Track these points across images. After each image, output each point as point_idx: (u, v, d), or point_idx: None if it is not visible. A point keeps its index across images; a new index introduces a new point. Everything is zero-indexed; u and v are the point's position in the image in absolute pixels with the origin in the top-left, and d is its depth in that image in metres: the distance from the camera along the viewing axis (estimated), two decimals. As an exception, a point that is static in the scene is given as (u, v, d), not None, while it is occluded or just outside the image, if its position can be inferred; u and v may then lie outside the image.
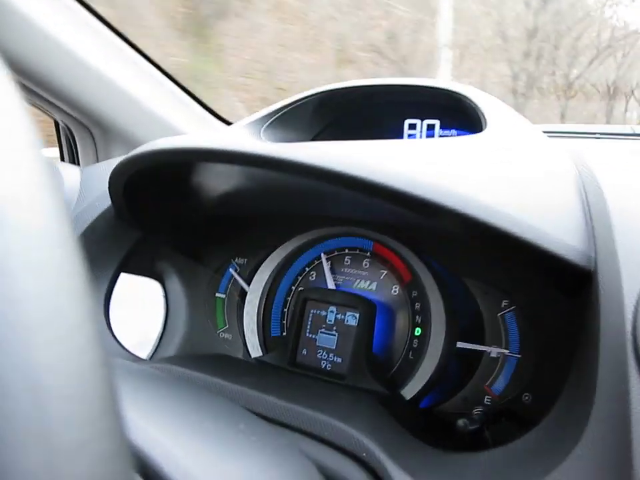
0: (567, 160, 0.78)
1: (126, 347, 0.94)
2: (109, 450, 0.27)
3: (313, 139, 1.06)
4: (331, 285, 1.00)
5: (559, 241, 0.63)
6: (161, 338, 1.04)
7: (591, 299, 0.62)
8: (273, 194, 0.90)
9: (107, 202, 0.96)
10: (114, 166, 0.88)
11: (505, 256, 0.71)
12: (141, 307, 1.08)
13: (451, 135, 1.03)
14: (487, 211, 0.62)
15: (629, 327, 0.56)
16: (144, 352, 1.02)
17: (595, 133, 1.45)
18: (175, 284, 1.07)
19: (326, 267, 1.01)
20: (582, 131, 1.47)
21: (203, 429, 0.54)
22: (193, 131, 1.41)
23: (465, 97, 0.92)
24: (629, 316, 0.57)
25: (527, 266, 0.70)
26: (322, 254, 1.02)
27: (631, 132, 1.43)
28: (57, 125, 1.45)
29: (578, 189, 0.71)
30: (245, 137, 0.94)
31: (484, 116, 0.87)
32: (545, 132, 1.32)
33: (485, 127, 0.84)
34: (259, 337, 1.05)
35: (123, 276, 0.99)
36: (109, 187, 0.91)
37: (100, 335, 0.29)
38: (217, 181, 0.89)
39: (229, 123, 1.53)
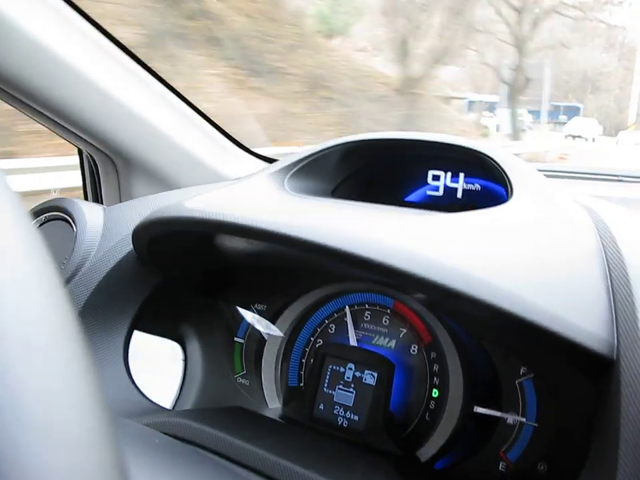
0: (592, 234, 0.78)
1: (148, 396, 0.95)
2: None
3: (336, 188, 1.07)
4: (353, 340, 1.00)
5: (580, 328, 0.63)
6: (180, 390, 1.05)
7: (612, 387, 0.62)
8: (296, 254, 0.91)
9: (128, 246, 0.97)
10: (136, 209, 0.89)
11: (526, 339, 0.71)
12: (162, 357, 1.08)
13: (475, 189, 1.02)
14: (505, 297, 0.63)
15: None
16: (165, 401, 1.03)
17: (617, 175, 1.45)
18: (194, 344, 1.07)
19: (349, 320, 1.01)
20: (603, 173, 1.46)
21: None
22: (219, 165, 1.40)
23: (489, 157, 0.92)
24: None
25: (547, 349, 0.70)
26: (347, 306, 1.03)
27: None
28: (80, 153, 1.46)
29: (603, 273, 0.71)
30: (267, 191, 0.95)
31: (509, 179, 0.87)
32: (558, 171, 1.33)
33: (511, 196, 0.84)
34: (276, 386, 1.06)
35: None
36: (133, 240, 0.92)
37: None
38: (239, 241, 0.89)
39: (259, 156, 1.52)
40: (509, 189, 0.86)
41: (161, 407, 0.96)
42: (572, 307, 0.65)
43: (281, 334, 1.07)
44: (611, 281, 0.70)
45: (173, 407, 1.03)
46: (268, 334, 1.07)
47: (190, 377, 1.06)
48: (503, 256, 0.69)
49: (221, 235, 0.89)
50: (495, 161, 0.91)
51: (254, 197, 0.93)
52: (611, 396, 0.62)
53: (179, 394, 1.04)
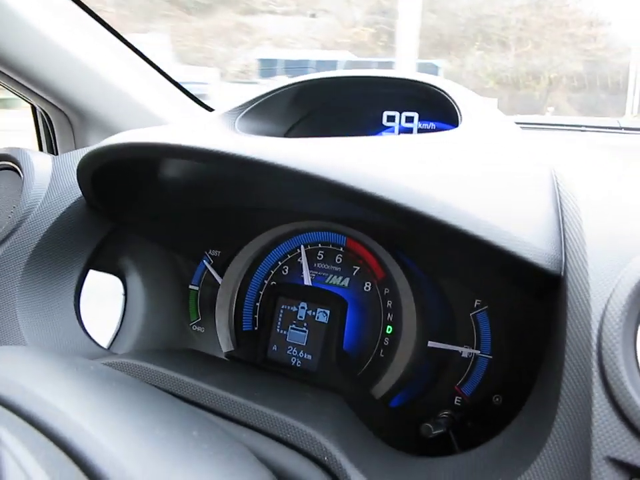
0: (542, 160, 0.77)
1: (97, 340, 0.93)
2: None
3: (289, 131, 1.05)
4: (307, 280, 0.98)
5: (527, 244, 0.62)
6: (119, 329, 1.03)
7: (559, 303, 0.61)
8: (244, 189, 0.89)
9: (77, 193, 0.94)
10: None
11: (475, 257, 0.70)
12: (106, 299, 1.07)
13: (430, 128, 1.01)
14: (453, 213, 0.61)
15: (594, 336, 0.55)
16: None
17: (580, 126, 1.44)
18: (135, 280, 1.05)
19: (305, 261, 0.99)
20: (566, 123, 1.45)
21: (153, 436, 0.53)
22: (173, 117, 1.39)
23: (442, 90, 0.90)
24: (595, 324, 0.56)
25: (496, 268, 0.69)
26: (301, 246, 1.01)
27: (617, 125, 1.42)
28: (34, 111, 1.43)
29: (551, 191, 0.70)
30: (216, 129, 0.93)
31: (460, 111, 0.85)
32: (524, 123, 1.32)
33: (460, 123, 0.82)
34: (230, 331, 1.04)
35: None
36: (78, 179, 0.89)
37: None
38: (187, 174, 0.87)
39: (210, 110, 1.51)
40: (459, 116, 0.84)
41: (104, 349, 0.95)
42: (519, 223, 0.63)
43: (234, 278, 1.05)
44: (560, 200, 0.69)
45: (109, 347, 1.01)
46: (221, 280, 1.05)
47: (130, 316, 1.04)
48: (450, 174, 0.68)
49: (164, 167, 0.87)
50: (446, 93, 0.89)
51: (202, 132, 0.91)
52: (558, 313, 0.61)
53: (117, 333, 1.03)
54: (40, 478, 0.40)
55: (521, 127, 0.89)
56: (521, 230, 0.62)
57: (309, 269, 0.99)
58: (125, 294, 1.05)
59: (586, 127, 1.43)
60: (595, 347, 0.55)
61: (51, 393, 0.53)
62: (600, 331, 0.55)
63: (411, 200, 0.62)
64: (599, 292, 0.58)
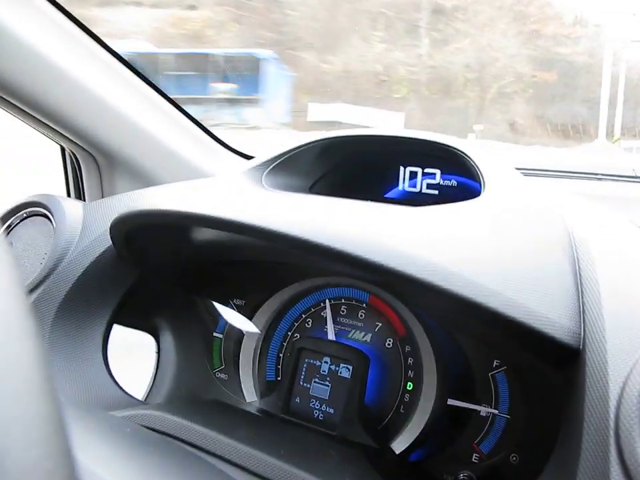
0: (563, 231, 0.79)
1: (126, 390, 0.96)
2: None
3: (313, 185, 1.07)
4: (331, 334, 1.01)
5: (547, 319, 0.64)
6: (153, 382, 1.05)
7: (577, 376, 0.63)
8: (271, 249, 0.91)
9: (107, 242, 0.97)
10: (115, 206, 0.90)
11: (493, 329, 0.72)
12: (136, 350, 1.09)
13: (452, 185, 1.03)
14: (475, 289, 0.64)
15: (612, 414, 0.57)
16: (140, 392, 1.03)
17: (597, 174, 1.46)
18: (167, 337, 1.08)
19: (329, 314, 1.02)
20: (581, 171, 1.47)
21: None
22: (201, 163, 1.41)
23: (463, 153, 0.93)
24: (613, 402, 0.58)
25: (514, 339, 0.71)
26: (327, 301, 1.04)
27: (633, 174, 1.43)
28: (63, 153, 1.46)
29: (571, 265, 0.72)
30: (244, 186, 0.96)
31: (482, 177, 0.88)
32: (537, 170, 1.34)
33: (483, 190, 0.85)
34: (254, 380, 1.06)
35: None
36: (111, 235, 0.92)
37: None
38: (216, 234, 0.90)
39: (238, 153, 1.53)
40: (482, 183, 0.87)
41: (138, 400, 0.97)
42: (539, 298, 0.65)
43: (257, 330, 1.07)
44: (579, 273, 0.71)
45: (145, 399, 1.03)
46: (246, 329, 1.08)
47: (163, 369, 1.06)
48: (472, 248, 0.70)
49: (196, 229, 0.90)
50: (468, 157, 0.92)
51: (230, 191, 0.94)
52: (577, 386, 0.63)
53: (152, 386, 1.05)
54: None
55: (535, 175, 0.92)
56: (540, 304, 0.65)
57: (332, 323, 1.01)
58: (158, 351, 1.08)
59: (602, 175, 1.45)
60: (612, 426, 0.56)
61: (90, 457, 0.55)
62: (618, 409, 0.57)
63: (434, 275, 0.64)
64: (617, 369, 0.60)
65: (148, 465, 0.61)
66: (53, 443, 0.29)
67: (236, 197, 0.90)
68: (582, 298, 0.67)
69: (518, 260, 0.70)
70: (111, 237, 0.93)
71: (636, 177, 1.42)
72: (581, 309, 0.66)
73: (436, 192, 1.04)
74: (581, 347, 0.64)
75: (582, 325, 0.65)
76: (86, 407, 0.89)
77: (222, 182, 0.99)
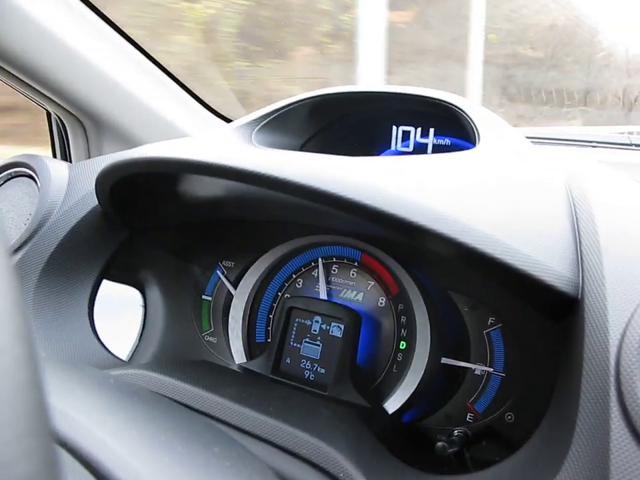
0: (560, 180, 0.77)
1: (111, 350, 0.94)
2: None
3: (304, 144, 1.05)
4: (323, 294, 0.99)
5: (545, 266, 0.62)
6: (139, 342, 1.04)
7: (576, 326, 0.61)
8: (261, 203, 0.89)
9: (93, 201, 0.95)
10: (102, 165, 0.87)
11: (490, 278, 0.70)
12: (126, 309, 1.07)
13: (445, 144, 1.02)
14: (473, 235, 0.62)
15: (612, 360, 0.55)
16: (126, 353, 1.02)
17: (592, 142, 1.44)
18: (154, 292, 1.06)
19: (321, 273, 1.00)
20: (578, 139, 1.46)
21: (174, 452, 0.53)
22: (188, 127, 1.40)
23: (458, 108, 0.91)
24: (613, 348, 0.56)
25: (512, 289, 0.69)
26: (319, 259, 1.01)
27: (628, 142, 1.42)
28: (49, 117, 1.44)
29: (569, 213, 0.70)
30: (233, 142, 0.93)
31: (477, 130, 0.86)
32: (534, 137, 1.32)
33: (478, 142, 0.83)
34: (243, 343, 1.04)
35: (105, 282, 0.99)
36: (96, 190, 0.90)
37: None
38: (204, 188, 0.88)
39: (227, 119, 1.51)
40: (477, 136, 0.85)
41: (123, 361, 0.95)
42: (536, 245, 0.64)
43: (248, 290, 1.05)
44: (577, 223, 0.69)
45: (130, 358, 1.01)
46: (236, 289, 1.06)
47: (149, 328, 1.05)
48: (469, 194, 0.68)
49: (182, 183, 0.87)
50: (463, 112, 0.90)
51: (220, 143, 0.91)
52: (575, 336, 0.61)
53: (137, 345, 1.03)
54: None
55: (532, 141, 0.90)
56: (539, 252, 0.63)
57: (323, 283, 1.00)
58: (145, 306, 1.06)
59: (597, 142, 1.43)
60: (612, 372, 0.55)
61: (72, 406, 0.53)
62: (618, 355, 0.55)
63: (432, 220, 0.62)
64: (617, 315, 0.58)
65: (132, 413, 0.59)
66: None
67: (227, 147, 0.88)
68: (580, 247, 0.65)
69: (515, 208, 0.68)
70: (97, 193, 0.91)
71: (630, 144, 1.41)
72: (579, 258, 0.64)
73: (429, 152, 1.02)
74: (579, 296, 0.62)
75: (580, 274, 0.63)
76: (69, 361, 0.87)
77: (210, 137, 0.97)
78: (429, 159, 0.79)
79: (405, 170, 0.73)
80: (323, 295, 0.99)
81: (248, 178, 0.70)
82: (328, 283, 1.00)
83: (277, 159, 0.74)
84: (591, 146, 1.43)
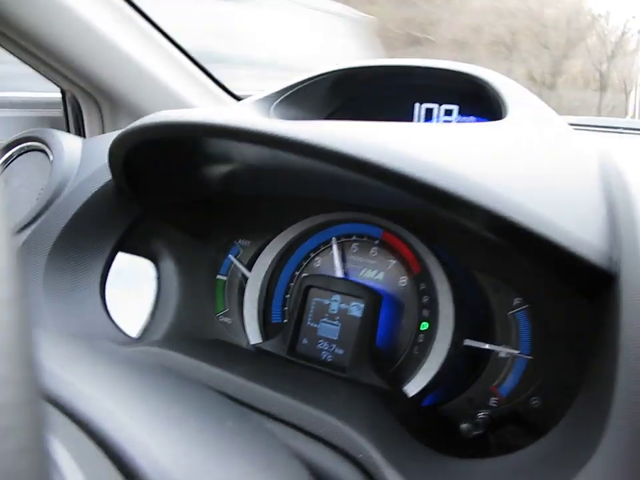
0: (593, 154, 0.74)
1: (119, 325, 0.92)
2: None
3: (325, 119, 1.02)
4: (339, 272, 0.96)
5: (579, 238, 0.59)
6: (151, 319, 1.01)
7: (611, 303, 0.58)
8: (279, 175, 0.87)
9: (107, 175, 0.93)
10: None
11: (521, 251, 0.67)
12: (135, 285, 1.05)
13: (470, 122, 0.98)
14: (503, 203, 0.58)
15: None
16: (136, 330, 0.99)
17: (622, 127, 1.41)
18: (168, 264, 1.03)
19: (336, 253, 0.97)
20: (609, 125, 1.42)
21: (187, 426, 0.50)
22: (202, 104, 1.38)
23: (486, 82, 0.88)
24: None
25: (543, 263, 0.66)
26: (333, 238, 0.98)
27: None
28: (63, 94, 1.42)
29: (603, 186, 0.67)
30: (252, 114, 0.90)
31: (505, 103, 0.82)
32: (574, 124, 1.29)
33: (506, 115, 0.80)
34: (259, 323, 1.01)
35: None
36: (109, 160, 0.87)
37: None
38: (223, 158, 0.85)
39: (239, 99, 1.49)
40: (504, 109, 0.81)
41: (133, 338, 0.93)
42: (569, 216, 0.60)
43: (264, 269, 1.02)
44: (612, 196, 0.66)
45: (141, 335, 0.99)
46: (251, 269, 1.03)
47: (162, 303, 1.02)
48: (498, 162, 0.65)
49: (199, 154, 0.85)
50: (490, 85, 0.87)
51: (240, 113, 0.89)
52: (610, 315, 0.58)
53: (150, 321, 1.01)
54: (72, 467, 0.38)
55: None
56: (574, 224, 0.60)
57: (343, 262, 0.97)
58: (158, 279, 1.03)
59: (631, 129, 1.39)
60: None
61: (80, 378, 0.51)
62: None
63: (463, 187, 0.59)
64: None
65: (142, 385, 0.57)
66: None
67: (248, 115, 0.85)
68: (615, 221, 0.62)
69: (546, 178, 0.65)
70: (109, 164, 0.88)
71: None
72: (615, 232, 0.61)
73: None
74: (615, 271, 0.59)
75: (616, 248, 0.60)
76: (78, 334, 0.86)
77: (227, 109, 0.94)
78: (454, 127, 0.76)
79: (433, 137, 0.70)
80: (340, 274, 0.96)
81: (273, 141, 0.67)
82: (348, 261, 0.97)
83: (305, 126, 0.71)
84: (621, 132, 1.40)
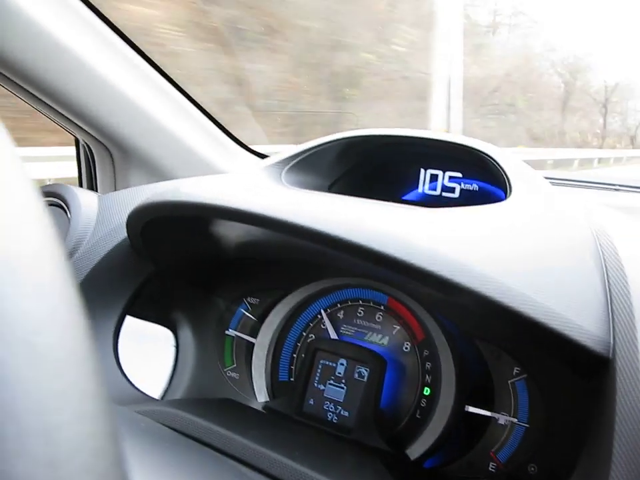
0: (589, 234, 0.77)
1: (136, 385, 0.94)
2: None
3: (332, 184, 1.06)
4: (333, 335, 1.00)
5: (576, 325, 0.62)
6: (170, 380, 1.04)
7: (607, 386, 0.61)
8: (288, 244, 0.90)
9: (122, 234, 0.96)
10: (131, 198, 0.88)
11: (520, 334, 0.71)
12: (151, 345, 1.07)
13: (473, 188, 1.02)
14: (502, 291, 0.62)
15: None
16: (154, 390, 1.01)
17: (613, 185, 1.44)
18: (186, 331, 1.06)
19: (327, 320, 1.01)
20: (598, 181, 1.46)
21: None
22: (217, 160, 1.40)
23: (488, 156, 0.92)
24: None
25: (543, 347, 0.69)
26: (322, 311, 1.03)
27: (649, 185, 1.42)
28: (77, 144, 1.45)
29: (599, 270, 0.70)
30: (264, 182, 0.94)
31: (508, 179, 0.86)
32: (553, 179, 1.33)
33: (509, 193, 0.84)
34: (266, 381, 1.04)
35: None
36: (127, 228, 0.91)
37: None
38: (234, 229, 0.88)
39: (255, 153, 1.52)
40: (508, 188, 0.85)
41: (149, 396, 0.95)
42: (567, 303, 0.64)
43: (272, 328, 1.06)
44: (608, 280, 0.69)
45: (163, 397, 1.01)
46: (260, 326, 1.06)
47: (182, 366, 1.05)
48: (499, 250, 0.69)
49: (214, 223, 0.88)
50: (494, 161, 0.91)
51: (250, 186, 0.92)
52: (606, 395, 0.61)
53: (169, 383, 1.03)
54: None
55: (551, 182, 0.90)
56: (570, 310, 0.63)
57: (349, 325, 1.00)
58: (177, 346, 1.06)
59: (620, 186, 1.43)
60: None
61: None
62: None
63: (463, 277, 0.62)
64: None
65: (163, 460, 0.60)
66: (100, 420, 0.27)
67: (258, 190, 0.89)
68: (611, 305, 0.66)
69: (546, 265, 0.69)
70: (127, 228, 0.92)
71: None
72: (611, 317, 0.64)
73: (456, 196, 1.03)
74: (610, 355, 0.62)
75: (612, 333, 0.63)
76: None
77: (241, 177, 0.98)
78: (461, 211, 0.80)
79: (438, 222, 0.74)
80: (333, 336, 1.00)
81: (284, 229, 0.71)
82: (354, 324, 1.00)
83: (313, 207, 0.74)
84: (613, 189, 1.43)
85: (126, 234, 0.95)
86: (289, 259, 1.01)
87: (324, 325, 1.03)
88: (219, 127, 1.45)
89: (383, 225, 0.70)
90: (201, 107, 1.41)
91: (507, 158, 0.91)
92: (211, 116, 1.44)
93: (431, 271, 0.63)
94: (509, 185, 0.86)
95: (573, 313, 0.63)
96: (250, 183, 0.94)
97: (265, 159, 1.04)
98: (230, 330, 1.11)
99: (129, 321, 0.99)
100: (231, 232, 0.91)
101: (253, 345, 1.07)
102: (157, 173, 1.34)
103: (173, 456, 0.63)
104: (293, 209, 0.73)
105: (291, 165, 1.01)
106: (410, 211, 0.79)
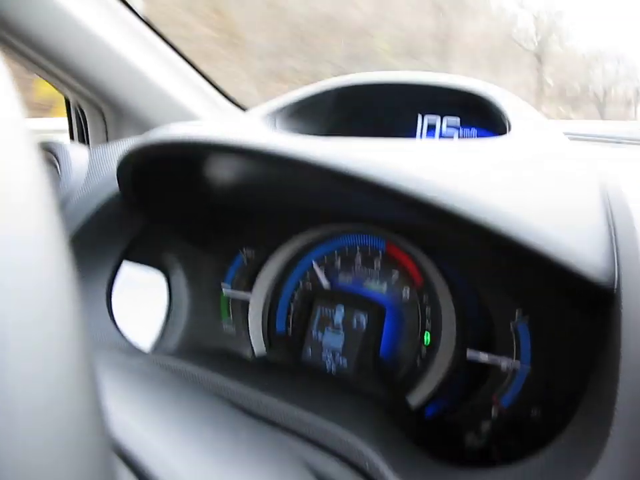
0: (592, 170, 0.75)
1: (128, 337, 0.92)
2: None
3: (329, 133, 1.03)
4: (325, 284, 0.98)
5: (579, 255, 0.60)
6: (163, 330, 1.02)
7: (611, 319, 0.59)
8: (286, 188, 0.88)
9: (114, 186, 0.93)
10: (123, 149, 0.86)
11: (522, 266, 0.68)
12: (144, 296, 1.05)
13: (471, 135, 1.00)
14: (505, 220, 0.60)
15: None
16: (146, 341, 1.00)
17: (621, 138, 1.42)
18: (179, 276, 1.04)
19: (318, 270, 1.00)
20: (608, 135, 1.43)
21: (202, 438, 0.52)
22: (206, 115, 1.39)
23: (488, 97, 0.89)
24: None
25: (546, 279, 0.67)
26: (313, 262, 1.01)
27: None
28: (67, 102, 1.43)
29: (602, 202, 0.68)
30: (258, 127, 0.92)
31: (508, 119, 0.84)
32: (568, 133, 1.30)
33: (509, 130, 0.81)
34: (263, 332, 1.03)
35: (128, 266, 0.97)
36: (117, 174, 0.88)
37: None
38: (229, 172, 0.86)
39: (243, 109, 1.50)
40: (508, 125, 0.83)
41: (140, 349, 0.93)
42: (570, 232, 0.62)
43: (269, 278, 1.04)
44: (612, 214, 0.67)
45: (155, 348, 1.00)
46: (256, 277, 1.05)
47: (174, 316, 1.03)
48: (500, 179, 0.66)
49: (207, 169, 0.86)
50: (493, 101, 0.88)
51: (247, 128, 0.90)
52: (610, 331, 0.59)
53: (162, 335, 1.01)
54: None
55: (570, 138, 0.88)
56: (572, 240, 0.61)
57: (347, 272, 0.98)
58: (169, 291, 1.04)
59: (630, 139, 1.41)
60: None
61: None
62: None
63: (466, 205, 0.60)
64: None
65: (156, 397, 0.58)
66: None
67: (256, 131, 0.86)
68: (615, 238, 0.63)
69: (546, 194, 0.67)
70: (118, 175, 0.89)
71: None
72: (615, 248, 0.62)
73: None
74: (615, 287, 0.60)
75: (616, 264, 0.61)
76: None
77: (234, 122, 0.95)
78: (456, 144, 0.77)
79: (436, 155, 0.72)
80: (325, 285, 0.99)
81: (282, 161, 0.68)
82: (351, 272, 0.98)
83: (314, 144, 0.72)
84: (622, 142, 1.41)
85: (116, 187, 0.92)
86: (285, 208, 0.99)
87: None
88: (210, 84, 1.44)
89: (380, 155, 0.67)
90: (191, 62, 1.39)
91: (509, 99, 0.89)
92: (202, 72, 1.42)
93: (435, 201, 0.61)
94: (509, 124, 0.83)
95: (575, 242, 0.61)
96: (244, 126, 0.92)
97: (255, 108, 1.01)
98: (225, 286, 1.09)
99: (123, 272, 0.97)
100: (222, 176, 0.89)
101: (249, 297, 1.05)
102: (148, 129, 1.32)
103: (166, 394, 0.61)
104: (300, 145, 0.70)
105: (285, 112, 0.98)
106: (407, 142, 0.77)
